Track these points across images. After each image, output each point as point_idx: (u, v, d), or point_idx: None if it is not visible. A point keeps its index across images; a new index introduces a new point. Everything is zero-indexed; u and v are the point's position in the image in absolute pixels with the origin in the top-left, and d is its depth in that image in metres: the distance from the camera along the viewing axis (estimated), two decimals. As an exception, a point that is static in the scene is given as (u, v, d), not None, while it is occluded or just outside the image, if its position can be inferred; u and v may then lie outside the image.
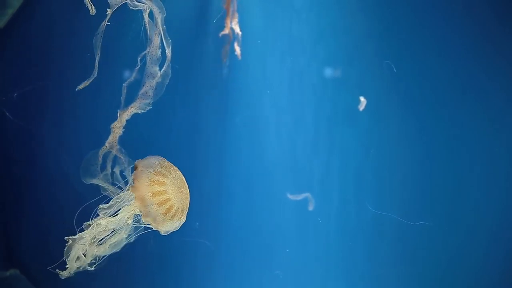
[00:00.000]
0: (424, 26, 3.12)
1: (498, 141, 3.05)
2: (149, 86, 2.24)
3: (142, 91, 2.25)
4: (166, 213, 1.93)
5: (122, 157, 2.26)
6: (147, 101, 2.27)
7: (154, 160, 2.00)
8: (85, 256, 2.03)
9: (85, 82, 2.16)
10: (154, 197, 1.89)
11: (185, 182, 2.03)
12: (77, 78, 2.26)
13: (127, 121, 2.34)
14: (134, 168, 1.96)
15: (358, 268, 3.30)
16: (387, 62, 3.09)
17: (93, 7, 2.01)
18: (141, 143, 3.05)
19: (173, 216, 1.96)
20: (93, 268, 2.11)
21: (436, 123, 3.16)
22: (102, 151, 2.28)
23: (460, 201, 3.12)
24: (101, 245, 2.10)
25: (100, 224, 1.94)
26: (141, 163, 1.95)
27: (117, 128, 2.26)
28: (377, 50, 3.15)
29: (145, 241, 2.82)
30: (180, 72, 3.20)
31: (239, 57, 3.18)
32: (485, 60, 3.02)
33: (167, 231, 1.98)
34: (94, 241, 1.99)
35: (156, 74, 2.23)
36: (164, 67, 2.25)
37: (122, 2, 2.06)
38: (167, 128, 3.20)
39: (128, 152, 2.18)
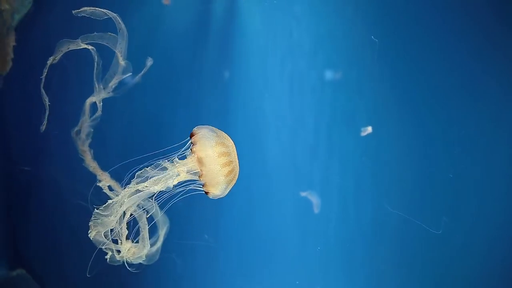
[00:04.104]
0: (423, 29, 3.13)
1: (498, 141, 3.06)
2: (85, 127, 2.29)
3: (80, 139, 2.31)
4: (227, 175, 1.93)
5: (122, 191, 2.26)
6: (89, 140, 2.33)
7: (210, 130, 1.99)
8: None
9: (44, 122, 2.21)
10: (220, 158, 1.90)
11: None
12: (78, 82, 2.33)
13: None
14: (191, 135, 1.94)
15: (358, 268, 3.31)
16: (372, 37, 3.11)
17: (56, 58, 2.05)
18: (142, 144, 3.09)
19: (231, 180, 1.98)
20: (133, 270, 2.11)
21: (435, 124, 3.17)
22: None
23: (460, 202, 3.13)
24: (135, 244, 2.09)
25: (142, 185, 1.91)
26: (200, 130, 1.94)
27: (101, 176, 2.30)
28: (376, 54, 3.16)
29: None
30: (181, 74, 3.25)
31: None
32: (485, 60, 3.03)
33: (217, 195, 1.97)
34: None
35: (87, 120, 2.28)
36: (94, 116, 2.28)
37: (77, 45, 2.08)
38: (168, 130, 3.23)
39: (129, 152, 2.21)
